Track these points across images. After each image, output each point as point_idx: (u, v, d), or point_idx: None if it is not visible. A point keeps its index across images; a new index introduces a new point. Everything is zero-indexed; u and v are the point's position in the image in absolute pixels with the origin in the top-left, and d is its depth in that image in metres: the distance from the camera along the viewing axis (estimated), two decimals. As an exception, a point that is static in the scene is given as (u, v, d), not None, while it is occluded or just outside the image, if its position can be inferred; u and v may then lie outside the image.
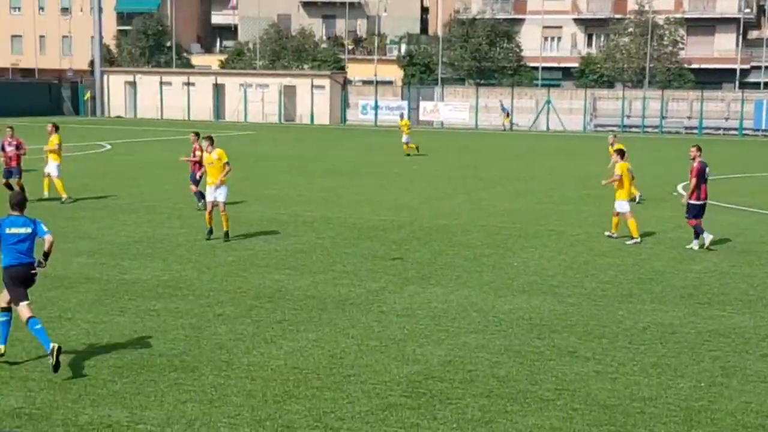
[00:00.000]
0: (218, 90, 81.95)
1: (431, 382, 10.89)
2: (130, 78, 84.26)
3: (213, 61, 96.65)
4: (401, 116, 54.97)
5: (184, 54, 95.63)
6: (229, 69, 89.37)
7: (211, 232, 20.24)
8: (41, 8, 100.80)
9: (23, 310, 11.24)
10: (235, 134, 60.92)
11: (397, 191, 29.88)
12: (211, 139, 20.57)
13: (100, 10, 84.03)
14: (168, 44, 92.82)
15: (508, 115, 77.22)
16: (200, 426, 9.40)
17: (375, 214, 24.59)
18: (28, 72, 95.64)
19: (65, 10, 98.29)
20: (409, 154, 44.66)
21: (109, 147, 46.57)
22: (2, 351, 11.39)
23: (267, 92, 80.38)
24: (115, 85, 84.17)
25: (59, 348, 10.85)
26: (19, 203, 11.50)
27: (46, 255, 11.50)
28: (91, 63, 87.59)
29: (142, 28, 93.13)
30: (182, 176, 32.66)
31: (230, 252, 18.77)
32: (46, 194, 26.22)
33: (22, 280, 11.32)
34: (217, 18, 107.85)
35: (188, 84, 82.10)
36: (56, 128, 26.53)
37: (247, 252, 18.81)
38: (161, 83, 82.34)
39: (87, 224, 21.81)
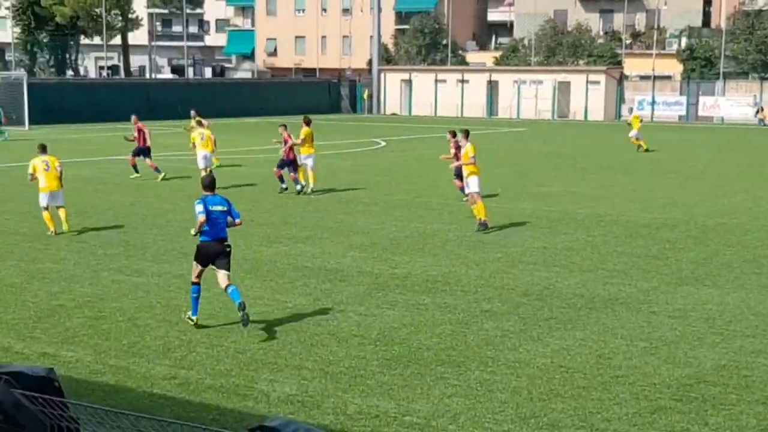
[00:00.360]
0: (492, 87, 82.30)
1: (703, 386, 10.48)
2: (405, 76, 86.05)
3: (487, 58, 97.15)
4: (630, 110, 52.45)
5: (459, 51, 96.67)
6: (504, 66, 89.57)
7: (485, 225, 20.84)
8: (324, 10, 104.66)
9: (221, 278, 12.69)
10: (506, 131, 61.02)
11: (671, 188, 28.95)
12: (466, 133, 21.86)
13: (380, 10, 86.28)
14: (444, 42, 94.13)
15: (761, 110, 73.32)
16: (465, 420, 9.46)
17: (647, 211, 23.93)
18: (309, 71, 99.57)
19: (346, 11, 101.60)
20: (644, 149, 42.84)
21: (383, 144, 47.75)
22: (195, 321, 12.68)
23: (541, 88, 79.97)
24: (391, 83, 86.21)
25: (244, 305, 12.31)
26: (211, 184, 13.05)
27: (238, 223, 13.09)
28: (369, 62, 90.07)
29: (419, 26, 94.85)
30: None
31: (499, 249, 18.79)
32: (306, 184, 27.06)
33: (218, 253, 12.60)
34: (493, 15, 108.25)
35: (462, 81, 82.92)
36: (307, 122, 27.52)
37: (515, 249, 18.77)
38: (436, 81, 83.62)
39: (361, 219, 22.45)
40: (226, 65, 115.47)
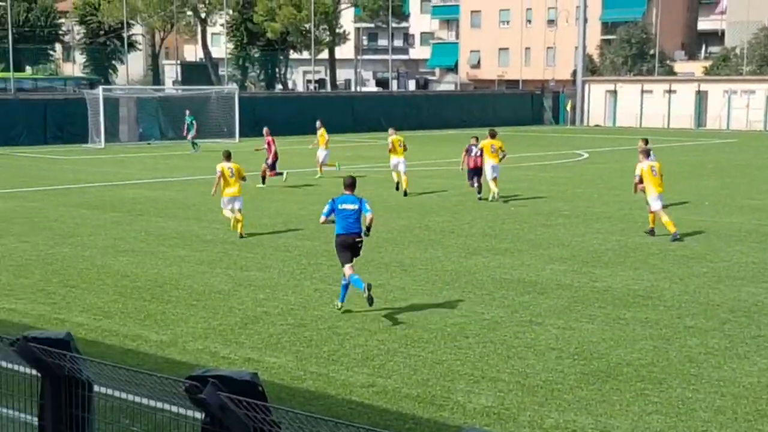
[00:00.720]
0: (700, 97, 79.87)
1: None
2: (610, 87, 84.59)
3: (696, 67, 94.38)
4: None
5: (667, 61, 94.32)
6: (713, 75, 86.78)
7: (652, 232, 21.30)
8: (528, 21, 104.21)
9: (347, 270, 14.22)
10: (715, 142, 59.07)
11: None
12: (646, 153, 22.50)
13: (585, 20, 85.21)
14: (651, 52, 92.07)
15: None
16: (664, 439, 9.22)
17: None
18: (512, 83, 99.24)
19: (551, 22, 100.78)
20: None
21: (586, 155, 47.08)
22: (339, 307, 14.32)
23: (753, 98, 77.01)
24: (595, 94, 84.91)
25: (370, 285, 13.87)
26: (351, 184, 14.84)
27: (368, 228, 14.64)
28: (574, 73, 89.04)
29: (626, 36, 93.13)
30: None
31: (704, 263, 18.22)
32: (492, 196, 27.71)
33: (349, 246, 14.22)
34: (704, 24, 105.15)
35: (669, 92, 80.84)
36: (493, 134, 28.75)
37: (722, 264, 18.16)
38: (642, 91, 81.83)
39: (561, 231, 22.22)
40: (430, 78, 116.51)
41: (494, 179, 27.73)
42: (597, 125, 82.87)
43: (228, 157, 22.17)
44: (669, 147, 46.41)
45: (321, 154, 35.34)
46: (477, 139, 28.38)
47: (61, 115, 55.09)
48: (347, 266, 14.27)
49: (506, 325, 13.50)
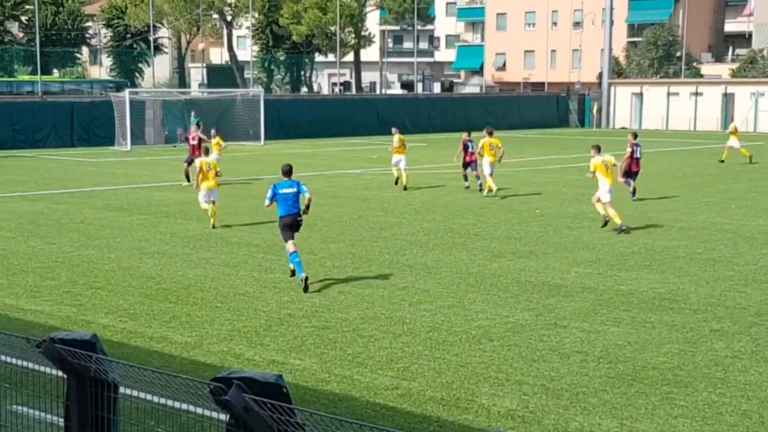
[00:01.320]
0: (727, 99, 79.42)
1: None
2: (636, 89, 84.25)
3: (723, 70, 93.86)
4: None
5: (694, 64, 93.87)
6: (741, 77, 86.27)
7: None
8: (554, 23, 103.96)
9: (289, 246, 16.42)
10: (743, 145, 58.64)
11: None
12: (597, 148, 23.26)
13: (611, 22, 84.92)
14: (678, 54, 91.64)
15: None
16: (690, 444, 9.17)
17: None
18: (538, 86, 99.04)
19: (576, 24, 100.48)
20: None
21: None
22: (301, 278, 16.00)
23: (780, 101, 76.50)
24: (621, 96, 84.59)
25: (307, 278, 15.94)
26: (288, 171, 16.98)
27: (307, 207, 16.84)
28: (599, 75, 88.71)
29: (652, 39, 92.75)
30: (688, 187, 32.11)
31: (731, 266, 18.11)
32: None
33: (290, 225, 16.51)
34: (731, 26, 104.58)
35: (696, 94, 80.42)
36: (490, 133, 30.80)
37: (749, 267, 18.04)
38: (668, 94, 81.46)
39: (586, 234, 22.14)
40: (455, 80, 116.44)
41: (490, 175, 29.53)
42: (623, 128, 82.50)
43: (207, 152, 25.02)
44: (695, 150, 46.16)
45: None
46: (469, 133, 32.20)
47: (88, 117, 55.41)
48: (290, 242, 16.46)
49: (531, 328, 13.47)
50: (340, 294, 15.73)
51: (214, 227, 22.74)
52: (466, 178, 31.50)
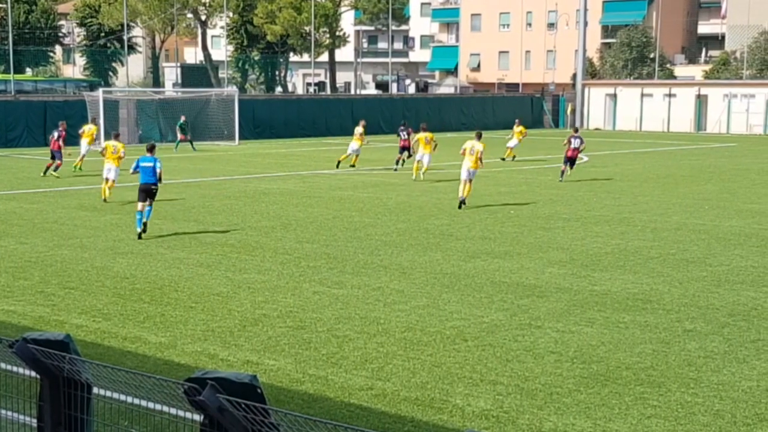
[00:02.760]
0: (700, 101, 79.94)
1: None
2: (610, 90, 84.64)
3: (696, 71, 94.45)
4: None
5: (667, 65, 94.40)
6: (714, 79, 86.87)
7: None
8: (528, 24, 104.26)
9: (138, 206, 21.29)
10: (715, 146, 59.11)
11: None
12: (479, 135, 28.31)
13: (585, 24, 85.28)
14: (651, 56, 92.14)
15: None
16: (663, 443, 9.22)
17: None
18: (512, 86, 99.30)
19: (551, 26, 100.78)
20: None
21: (586, 159, 47.07)
22: (138, 233, 21.06)
23: (753, 102, 77.07)
24: (595, 97, 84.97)
25: (143, 231, 21.15)
26: (151, 148, 22.59)
27: (159, 179, 21.84)
28: (573, 76, 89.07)
29: (626, 40, 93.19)
30: (661, 188, 32.30)
31: (704, 267, 18.24)
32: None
33: (146, 191, 21.41)
34: (704, 28, 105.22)
35: (669, 95, 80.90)
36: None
37: (722, 267, 18.17)
38: (642, 95, 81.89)
39: (561, 234, 22.23)
40: (430, 81, 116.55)
41: (419, 161, 35.37)
42: (597, 129, 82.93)
43: (117, 137, 30.08)
44: (669, 151, 46.42)
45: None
46: (405, 124, 40.83)
47: (61, 116, 54.99)
48: (140, 204, 21.27)
49: (505, 328, 13.50)
50: (315, 294, 15.71)
51: (105, 201, 27.45)
52: (398, 162, 38.96)
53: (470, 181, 27.19)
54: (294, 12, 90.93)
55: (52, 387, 5.90)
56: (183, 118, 51.77)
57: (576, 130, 36.99)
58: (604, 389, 10.80)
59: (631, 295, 15.72)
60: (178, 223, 23.73)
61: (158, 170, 21.63)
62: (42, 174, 35.93)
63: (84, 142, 38.71)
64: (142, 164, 21.67)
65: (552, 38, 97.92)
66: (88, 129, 39.23)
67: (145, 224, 21.25)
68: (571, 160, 35.26)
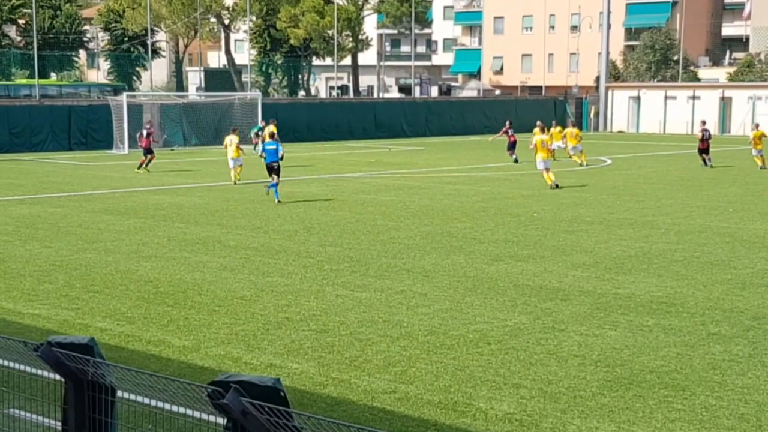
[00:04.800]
0: (724, 103, 79.53)
1: None
2: (634, 93, 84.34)
3: (720, 73, 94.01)
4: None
5: (691, 67, 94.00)
6: (738, 81, 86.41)
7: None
8: (551, 27, 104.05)
9: (273, 178, 28.34)
10: (740, 148, 58.74)
11: None
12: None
13: (609, 26, 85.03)
14: (675, 58, 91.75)
15: None
16: (687, 447, 9.17)
17: None
18: (535, 89, 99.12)
19: (574, 28, 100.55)
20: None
21: (609, 162, 46.97)
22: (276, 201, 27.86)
23: (777, 104, 76.60)
24: (619, 100, 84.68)
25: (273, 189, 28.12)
26: (272, 135, 29.57)
27: (282, 158, 28.57)
28: (597, 79, 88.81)
29: (649, 42, 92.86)
30: (685, 190, 32.16)
31: (728, 270, 18.13)
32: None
33: (271, 168, 28.38)
34: (728, 29, 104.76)
35: (693, 98, 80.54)
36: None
37: (746, 270, 18.06)
38: (665, 97, 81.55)
39: (584, 238, 22.15)
40: (453, 84, 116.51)
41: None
42: (620, 131, 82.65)
43: (234, 131, 36.42)
44: (692, 153, 46.16)
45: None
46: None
47: (86, 121, 55.43)
48: (273, 177, 28.60)
49: (528, 331, 13.47)
50: (338, 298, 15.73)
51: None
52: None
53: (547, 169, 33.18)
54: (317, 16, 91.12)
55: (77, 390, 5.94)
56: (262, 123, 51.74)
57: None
58: (627, 393, 10.75)
59: (655, 298, 15.65)
60: (201, 226, 23.82)
61: (280, 152, 28.47)
62: (136, 169, 39.84)
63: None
64: (267, 147, 28.79)
65: (575, 41, 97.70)
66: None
67: (274, 191, 28.47)
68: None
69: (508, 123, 47.76)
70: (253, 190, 32.44)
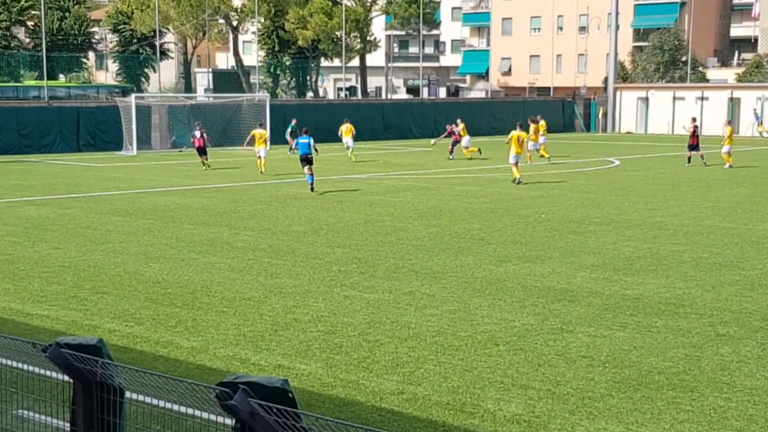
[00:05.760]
0: (733, 104, 79.37)
1: None
2: (642, 94, 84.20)
3: (729, 74, 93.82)
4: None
5: (699, 68, 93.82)
6: (746, 82, 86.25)
7: None
8: (560, 28, 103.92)
9: (305, 170, 31.04)
10: (749, 149, 58.65)
11: None
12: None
13: (617, 27, 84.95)
14: (683, 59, 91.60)
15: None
16: (696, 449, 9.16)
17: None
18: (543, 90, 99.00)
19: (582, 29, 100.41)
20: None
21: (617, 163, 46.90)
22: (311, 188, 31.14)
23: (785, 105, 76.45)
24: (627, 101, 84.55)
25: (312, 190, 30.80)
26: (306, 131, 31.93)
27: (316, 150, 31.56)
28: (605, 80, 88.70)
29: (658, 43, 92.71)
30: (693, 191, 32.10)
31: (737, 271, 18.09)
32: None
33: (306, 160, 31.07)
34: (737, 30, 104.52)
35: (702, 98, 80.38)
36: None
37: (755, 271, 18.02)
38: (674, 98, 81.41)
39: (592, 239, 22.13)
40: (461, 85, 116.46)
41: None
42: (628, 132, 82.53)
43: (261, 125, 41.38)
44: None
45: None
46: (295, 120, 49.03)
47: (94, 122, 55.50)
48: (305, 168, 31.48)
49: (537, 332, 13.46)
50: (346, 299, 15.73)
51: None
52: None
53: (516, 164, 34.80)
54: (325, 17, 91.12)
55: (85, 391, 5.95)
56: (294, 121, 52.64)
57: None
58: (636, 394, 10.74)
59: (664, 299, 15.63)
60: (210, 227, 23.85)
61: (312, 144, 31.21)
62: (204, 169, 41.54)
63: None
64: (300, 141, 31.90)
65: (583, 42, 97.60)
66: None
67: (311, 185, 31.16)
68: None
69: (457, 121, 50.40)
70: (261, 190, 32.49)
